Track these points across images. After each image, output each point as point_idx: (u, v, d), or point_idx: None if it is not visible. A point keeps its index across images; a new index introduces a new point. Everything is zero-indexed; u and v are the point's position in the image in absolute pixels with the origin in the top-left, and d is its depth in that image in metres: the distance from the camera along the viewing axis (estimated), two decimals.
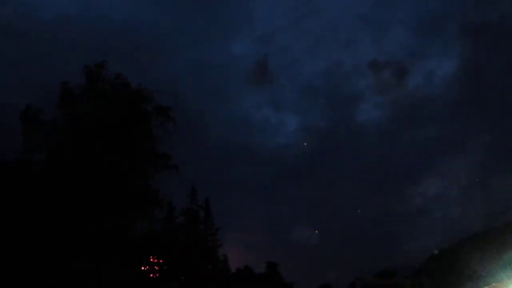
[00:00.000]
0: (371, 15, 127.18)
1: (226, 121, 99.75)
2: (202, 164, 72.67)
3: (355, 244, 77.19)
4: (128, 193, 30.60)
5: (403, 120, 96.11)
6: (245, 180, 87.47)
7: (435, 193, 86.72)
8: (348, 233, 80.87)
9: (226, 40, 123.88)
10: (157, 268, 41.93)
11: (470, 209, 78.79)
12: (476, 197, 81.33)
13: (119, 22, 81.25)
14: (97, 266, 27.78)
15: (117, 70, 32.77)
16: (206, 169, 73.38)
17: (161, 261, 41.92)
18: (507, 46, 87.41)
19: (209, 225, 50.98)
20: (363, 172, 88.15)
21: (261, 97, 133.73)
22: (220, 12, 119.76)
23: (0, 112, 31.96)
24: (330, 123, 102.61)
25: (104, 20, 79.23)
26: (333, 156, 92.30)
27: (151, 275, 40.78)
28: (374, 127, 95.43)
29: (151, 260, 40.08)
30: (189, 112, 70.53)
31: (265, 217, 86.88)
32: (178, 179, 33.68)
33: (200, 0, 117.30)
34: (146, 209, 31.88)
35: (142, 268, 37.63)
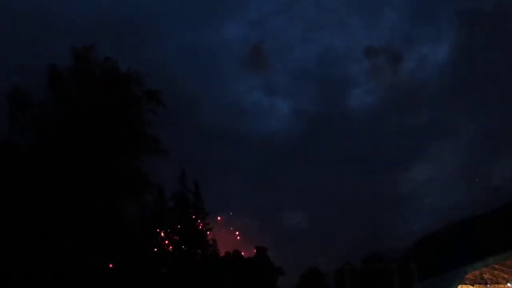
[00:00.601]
0: (366, 0, 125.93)
1: (218, 105, 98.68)
2: (192, 148, 72.00)
3: (344, 228, 77.84)
4: (118, 175, 30.39)
5: (396, 105, 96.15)
6: (235, 164, 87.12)
7: (424, 179, 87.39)
8: (338, 218, 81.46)
9: (218, 24, 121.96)
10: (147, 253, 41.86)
11: (458, 195, 79.99)
12: (464, 183, 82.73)
13: (109, 4, 79.39)
14: (88, 250, 27.64)
15: (106, 54, 32.21)
16: (197, 153, 72.82)
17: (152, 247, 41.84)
18: (502, 32, 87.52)
19: (199, 209, 50.94)
20: (354, 157, 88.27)
21: (253, 81, 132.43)
22: None
23: None
24: (322, 108, 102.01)
25: (93, 2, 77.29)
26: (325, 141, 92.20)
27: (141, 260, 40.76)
28: (367, 112, 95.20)
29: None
30: (180, 96, 69.52)
31: (254, 201, 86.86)
32: (168, 164, 33.63)
33: None
34: (136, 192, 31.77)
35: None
